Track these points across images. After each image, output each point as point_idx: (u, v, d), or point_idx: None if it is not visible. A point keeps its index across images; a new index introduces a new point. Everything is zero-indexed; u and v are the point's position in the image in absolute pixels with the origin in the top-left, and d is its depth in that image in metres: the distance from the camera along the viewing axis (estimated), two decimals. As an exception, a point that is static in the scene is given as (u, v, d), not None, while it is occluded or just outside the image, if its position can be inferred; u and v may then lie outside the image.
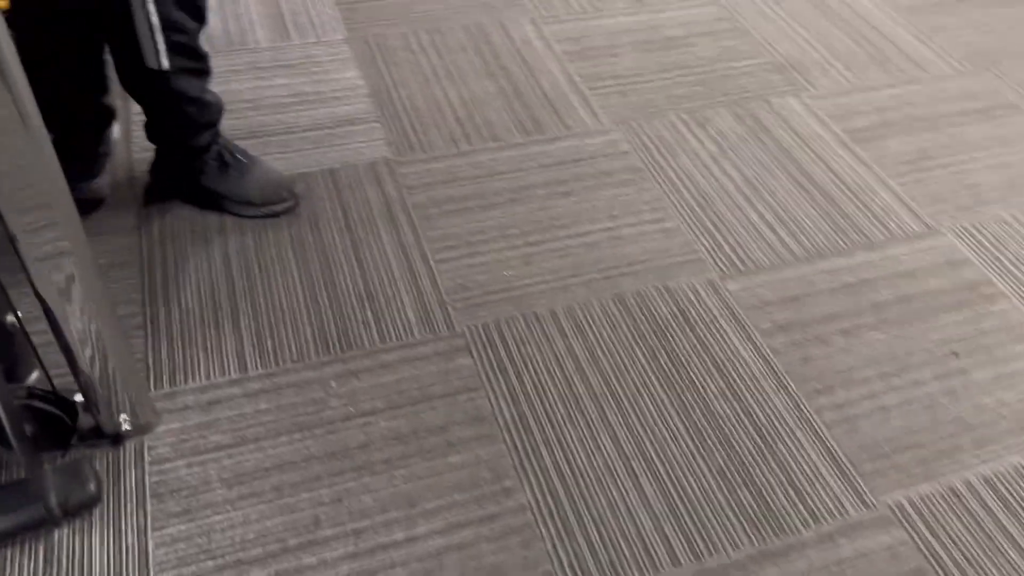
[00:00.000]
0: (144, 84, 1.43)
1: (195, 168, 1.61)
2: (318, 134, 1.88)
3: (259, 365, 1.40)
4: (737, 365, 1.47)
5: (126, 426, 1.26)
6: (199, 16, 1.40)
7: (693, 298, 1.58)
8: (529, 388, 1.41)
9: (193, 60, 1.42)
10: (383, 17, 2.25)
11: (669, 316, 1.55)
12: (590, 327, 1.52)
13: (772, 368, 1.47)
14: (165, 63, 1.35)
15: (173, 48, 1.34)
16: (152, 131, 1.58)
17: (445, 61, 2.12)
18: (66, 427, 1.22)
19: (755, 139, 1.95)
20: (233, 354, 1.42)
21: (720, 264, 1.65)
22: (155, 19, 1.30)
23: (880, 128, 2.02)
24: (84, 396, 1.22)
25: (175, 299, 1.50)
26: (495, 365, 1.44)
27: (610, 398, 1.41)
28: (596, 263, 1.64)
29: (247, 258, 1.58)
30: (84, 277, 1.10)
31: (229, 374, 1.38)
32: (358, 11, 2.26)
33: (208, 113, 1.54)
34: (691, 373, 1.45)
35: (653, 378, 1.44)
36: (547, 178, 1.82)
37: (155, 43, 1.32)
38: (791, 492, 1.30)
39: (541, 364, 1.45)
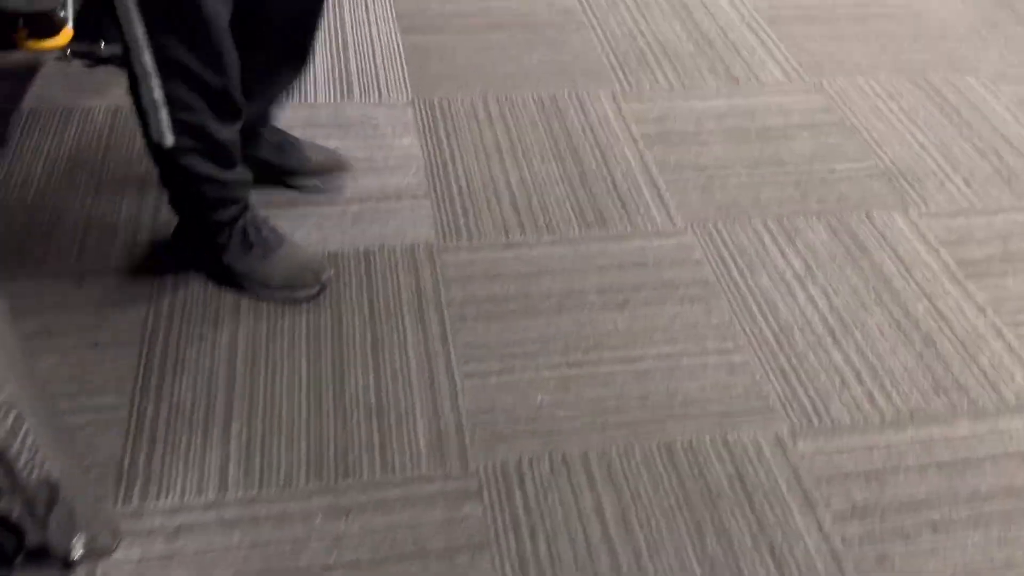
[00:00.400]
0: (153, 155, 1.30)
1: (217, 243, 1.48)
2: (361, 208, 1.72)
3: (241, 486, 1.24)
4: (798, 556, 1.22)
5: (79, 550, 1.11)
6: (219, 102, 1.26)
7: (755, 457, 1.34)
8: (543, 554, 1.20)
9: (201, 142, 1.29)
10: (453, 79, 2.09)
11: (723, 478, 1.31)
12: (626, 481, 1.30)
13: (840, 566, 1.21)
14: (168, 140, 1.22)
15: (178, 126, 1.21)
16: (170, 200, 1.45)
17: (511, 135, 1.94)
18: (8, 550, 1.08)
19: (850, 260, 1.70)
20: (216, 468, 1.26)
21: (792, 416, 1.41)
22: (158, 94, 1.16)
23: (1000, 261, 1.73)
24: (28, 513, 1.08)
25: (168, 391, 1.35)
26: (508, 518, 1.24)
27: (638, 578, 1.18)
28: (645, 398, 1.42)
29: (255, 348, 1.43)
30: (8, 371, 0.96)
31: (206, 494, 1.22)
32: (428, 70, 2.12)
33: (227, 191, 1.40)
34: (741, 560, 1.21)
35: (694, 560, 1.21)
36: (603, 283, 1.61)
37: (158, 118, 1.19)
38: None
39: (562, 523, 1.24)
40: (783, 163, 1.93)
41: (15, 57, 1.86)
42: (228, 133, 1.31)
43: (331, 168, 1.71)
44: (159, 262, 1.55)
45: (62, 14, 1.68)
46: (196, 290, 1.52)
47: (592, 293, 1.59)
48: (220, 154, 1.32)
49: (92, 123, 1.84)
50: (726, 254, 1.70)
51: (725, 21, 2.40)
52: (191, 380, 1.37)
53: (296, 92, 1.69)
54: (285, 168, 1.68)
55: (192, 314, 1.48)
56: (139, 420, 1.31)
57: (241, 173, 1.41)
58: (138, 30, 1.13)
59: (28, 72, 1.92)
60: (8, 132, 1.80)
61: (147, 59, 1.14)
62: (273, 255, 1.49)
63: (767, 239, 1.74)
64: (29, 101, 1.89)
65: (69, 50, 1.93)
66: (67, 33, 1.70)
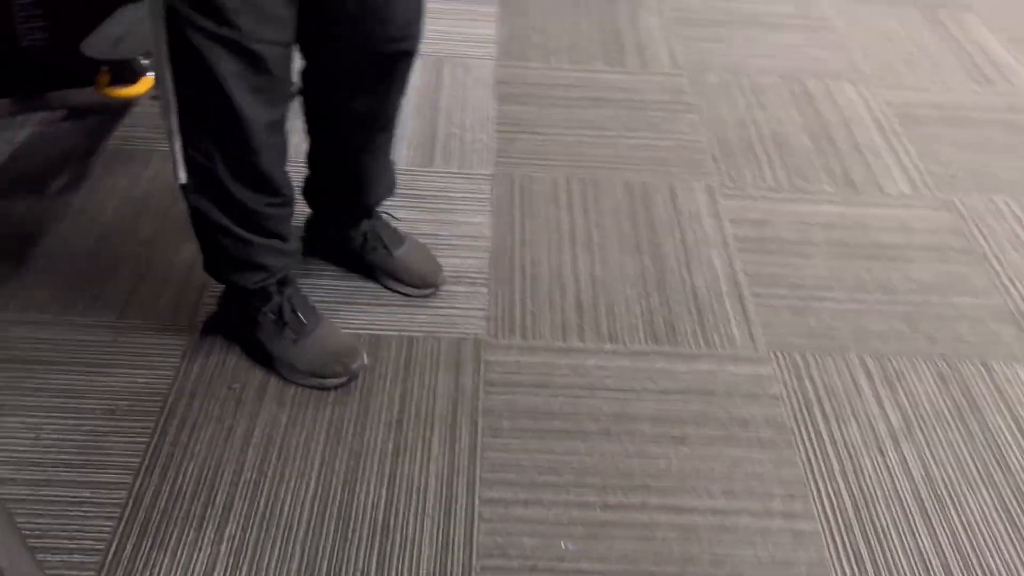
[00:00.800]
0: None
1: (250, 316, 1.41)
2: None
3: (220, 599, 1.14)
4: None
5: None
6: (236, 160, 1.20)
7: (805, 659, 1.13)
8: None
9: (214, 190, 1.23)
10: (540, 155, 1.98)
11: None
12: (646, 664, 1.11)
13: None
14: (181, 175, 1.19)
15: (188, 163, 1.18)
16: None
17: (590, 223, 1.80)
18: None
19: (959, 420, 1.45)
20: (200, 573, 1.16)
21: (859, 612, 1.19)
22: (174, 122, 1.13)
23: None
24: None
25: (172, 475, 1.27)
26: None
27: None
28: (687, 562, 1.23)
29: (270, 438, 1.34)
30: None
31: (181, 603, 1.13)
32: (517, 144, 2.01)
33: (248, 252, 1.32)
34: None
35: None
36: (661, 410, 1.43)
37: (173, 147, 1.14)
38: None
39: None
40: (894, 290, 1.70)
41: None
42: (253, 200, 1.25)
43: (428, 284, 1.59)
44: (200, 325, 1.50)
45: (144, 62, 1.68)
46: (227, 362, 1.44)
47: (647, 420, 1.42)
48: (238, 212, 1.26)
49: (169, 168, 1.81)
50: (811, 393, 1.48)
51: (851, 115, 2.18)
52: (197, 466, 1.29)
53: (395, 189, 1.62)
54: (378, 267, 1.59)
55: (216, 389, 1.40)
56: (135, 505, 1.23)
57: (272, 243, 1.33)
58: (162, 50, 1.08)
59: (120, 109, 1.94)
60: (88, 169, 1.81)
61: (168, 83, 1.11)
62: (305, 340, 1.40)
63: (863, 381, 1.51)
64: (115, 139, 1.90)
65: (163, 91, 1.94)
66: (147, 82, 1.70)
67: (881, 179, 1.98)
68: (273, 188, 1.25)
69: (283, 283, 1.40)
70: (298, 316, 1.40)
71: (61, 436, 1.31)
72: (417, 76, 2.19)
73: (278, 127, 1.23)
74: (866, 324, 1.62)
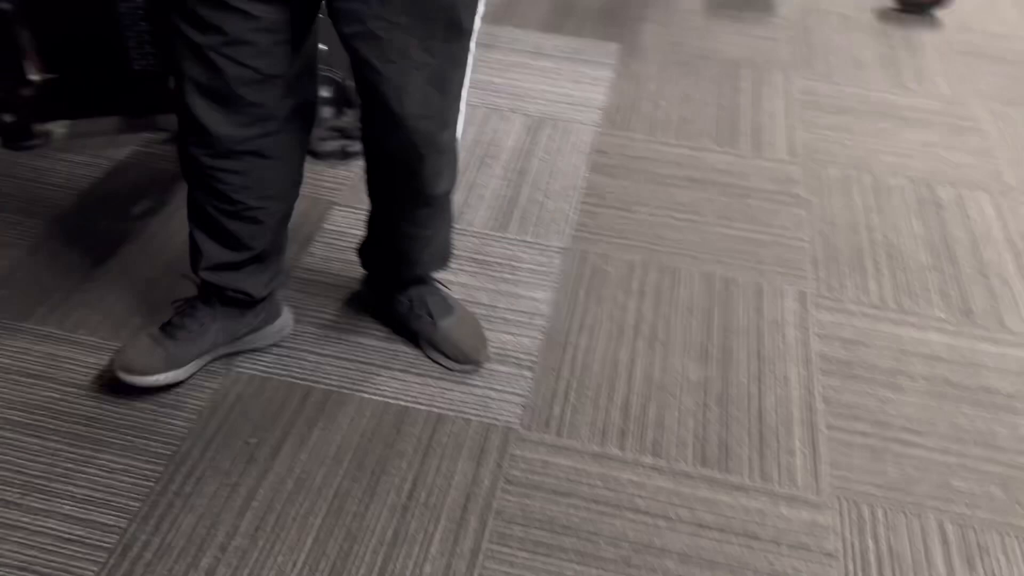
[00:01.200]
0: None
1: None
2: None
3: (173, 675, 1.09)
4: None
5: None
6: (194, 160, 1.29)
7: None
8: None
9: (187, 166, 1.32)
10: (621, 234, 1.86)
11: None
12: None
13: None
14: None
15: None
16: None
17: (658, 316, 1.67)
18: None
19: (1050, 623, 1.22)
20: (162, 641, 1.12)
21: None
22: None
23: None
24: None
25: (166, 527, 1.24)
26: None
27: None
28: None
29: (271, 503, 1.29)
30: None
31: (135, 671, 1.09)
32: (598, 218, 1.90)
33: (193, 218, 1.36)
34: None
35: None
36: (693, 547, 1.28)
37: None
38: None
39: None
40: (996, 447, 1.47)
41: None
42: (209, 204, 1.31)
43: (469, 360, 1.52)
44: (236, 370, 1.48)
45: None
46: (249, 414, 1.41)
47: (674, 557, 1.27)
48: (195, 212, 1.35)
49: (247, 203, 1.84)
50: (872, 556, 1.29)
51: (983, 232, 1.95)
52: (192, 522, 1.25)
53: (447, 263, 1.54)
54: (421, 335, 1.53)
55: (232, 440, 1.37)
56: (122, 554, 1.20)
57: (219, 251, 1.35)
58: None
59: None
60: (172, 194, 1.85)
61: None
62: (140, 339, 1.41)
63: (937, 550, 1.30)
64: (207, 167, 1.94)
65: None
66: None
67: (1005, 311, 1.74)
68: (229, 201, 1.29)
69: (206, 295, 1.40)
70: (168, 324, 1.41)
71: (74, 466, 1.31)
72: (511, 136, 2.14)
73: (253, 148, 1.25)
74: (954, 482, 1.40)
